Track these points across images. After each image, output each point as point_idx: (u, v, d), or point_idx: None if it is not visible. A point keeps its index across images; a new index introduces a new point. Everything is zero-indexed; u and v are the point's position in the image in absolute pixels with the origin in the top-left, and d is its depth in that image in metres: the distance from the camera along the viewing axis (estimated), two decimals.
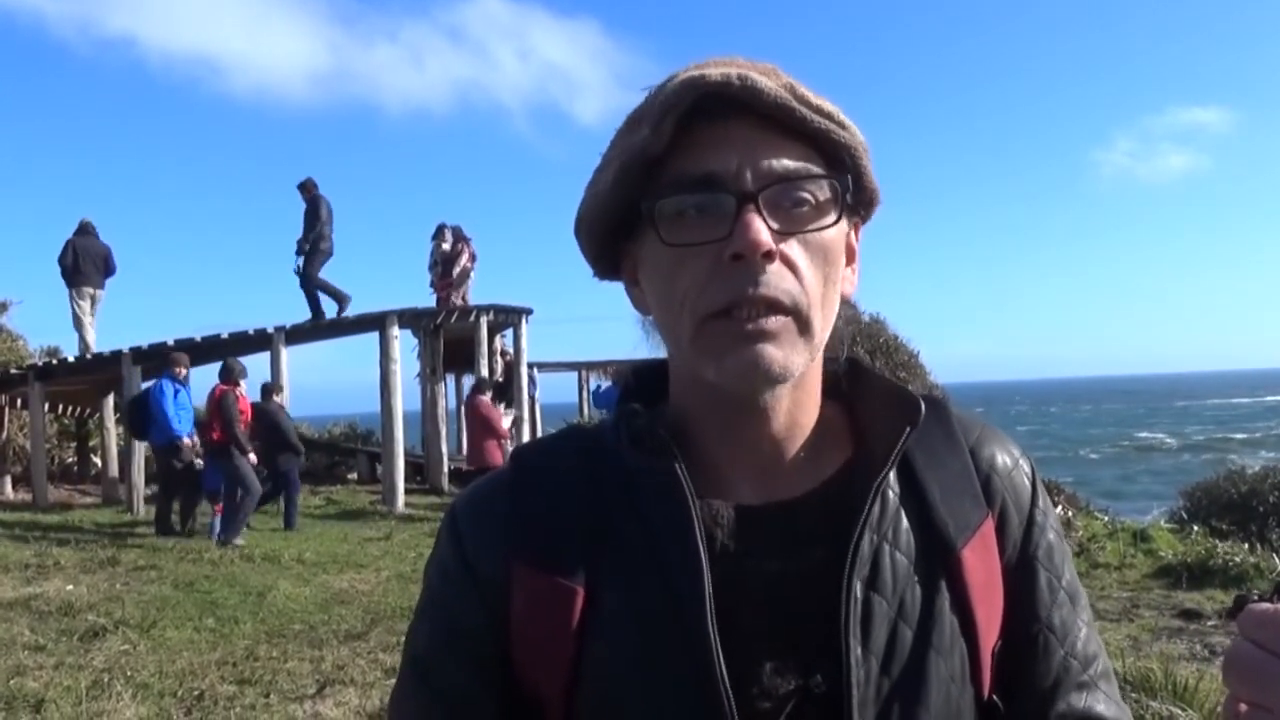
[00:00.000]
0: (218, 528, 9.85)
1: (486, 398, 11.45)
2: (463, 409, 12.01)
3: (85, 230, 13.20)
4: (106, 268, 13.41)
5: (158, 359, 13.21)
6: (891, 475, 0.81)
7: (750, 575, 0.78)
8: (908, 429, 0.80)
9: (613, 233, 0.82)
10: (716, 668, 0.73)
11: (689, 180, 0.75)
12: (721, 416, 0.81)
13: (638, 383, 0.89)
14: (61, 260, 13.08)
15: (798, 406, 0.82)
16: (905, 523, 0.80)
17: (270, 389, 11.33)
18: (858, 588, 0.76)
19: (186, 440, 10.21)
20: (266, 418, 10.48)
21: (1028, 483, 0.87)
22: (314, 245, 13.31)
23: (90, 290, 13.27)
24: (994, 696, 0.82)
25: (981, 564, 0.81)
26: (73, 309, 13.30)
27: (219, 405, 9.81)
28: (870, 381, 0.87)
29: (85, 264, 13.09)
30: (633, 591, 0.77)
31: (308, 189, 13.46)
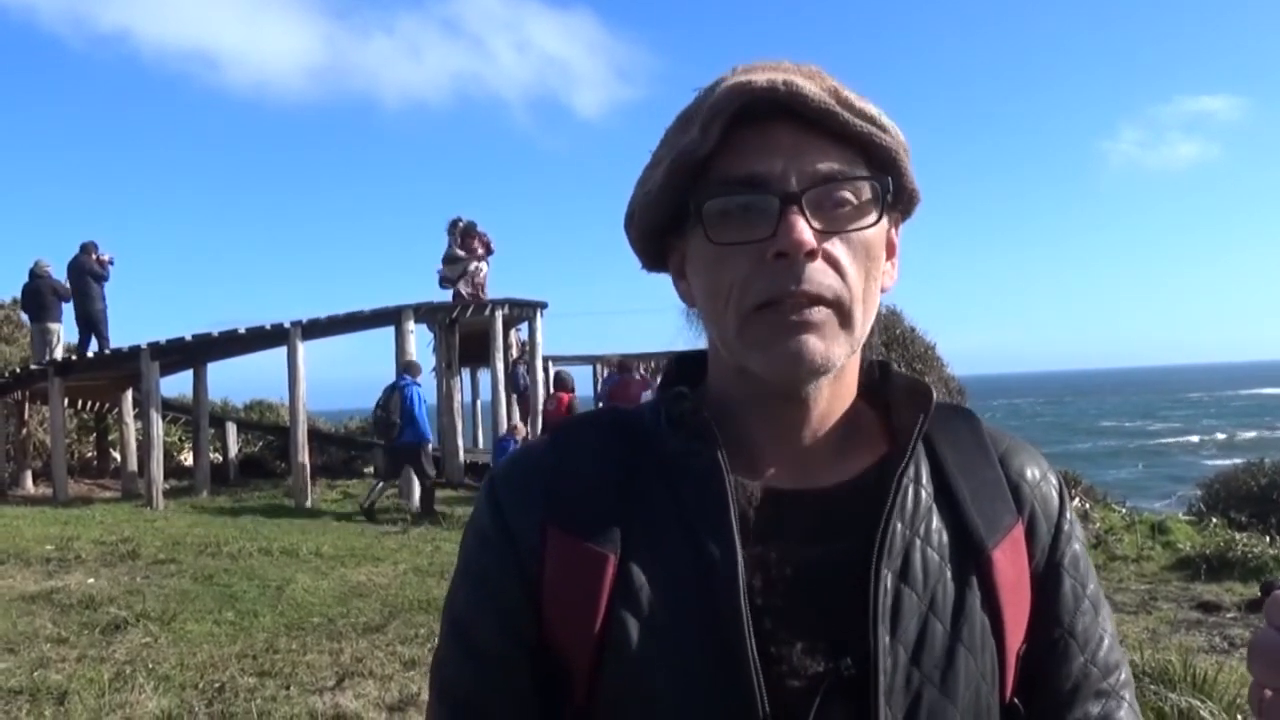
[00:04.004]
0: None
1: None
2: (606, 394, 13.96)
3: (36, 274, 14.05)
4: (59, 297, 14.17)
5: (176, 354, 13.32)
6: (925, 475, 0.83)
7: (782, 557, 0.79)
8: (922, 416, 0.82)
9: (661, 228, 0.84)
10: (746, 641, 0.74)
11: (735, 181, 0.77)
12: (761, 407, 0.83)
13: (679, 371, 0.91)
14: (23, 306, 14.71)
15: (836, 399, 0.84)
16: (937, 521, 0.81)
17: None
18: (888, 578, 0.77)
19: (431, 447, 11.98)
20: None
21: (1055, 494, 0.88)
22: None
23: (40, 325, 14.18)
24: (1015, 699, 0.82)
25: (1011, 565, 0.82)
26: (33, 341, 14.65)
27: (569, 410, 12.07)
28: (893, 379, 0.89)
29: (36, 305, 14.07)
30: (664, 563, 0.78)
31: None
